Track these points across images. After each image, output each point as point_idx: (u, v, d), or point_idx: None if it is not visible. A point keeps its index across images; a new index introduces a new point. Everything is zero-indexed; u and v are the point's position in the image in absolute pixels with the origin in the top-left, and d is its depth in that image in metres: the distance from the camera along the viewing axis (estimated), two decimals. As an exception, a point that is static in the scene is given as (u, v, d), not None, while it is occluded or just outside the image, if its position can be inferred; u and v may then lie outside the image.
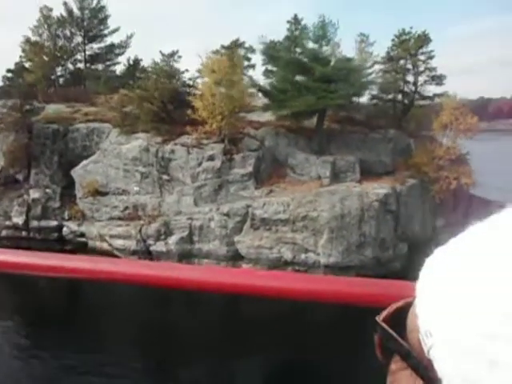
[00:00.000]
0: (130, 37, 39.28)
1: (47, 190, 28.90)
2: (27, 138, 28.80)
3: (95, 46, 39.24)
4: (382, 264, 23.33)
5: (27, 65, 37.67)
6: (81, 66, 39.50)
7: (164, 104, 26.39)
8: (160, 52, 29.97)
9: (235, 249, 23.78)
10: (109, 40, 39.25)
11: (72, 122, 29.20)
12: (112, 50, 39.58)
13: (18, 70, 38.93)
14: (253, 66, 38.38)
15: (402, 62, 29.30)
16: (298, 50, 32.26)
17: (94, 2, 38.22)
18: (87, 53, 39.22)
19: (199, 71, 28.01)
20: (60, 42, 37.45)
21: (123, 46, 39.60)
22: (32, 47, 35.83)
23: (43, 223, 28.83)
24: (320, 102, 22.22)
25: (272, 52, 26.11)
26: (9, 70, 40.80)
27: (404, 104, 29.71)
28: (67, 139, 28.84)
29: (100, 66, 40.07)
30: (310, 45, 25.90)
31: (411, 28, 28.92)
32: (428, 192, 25.25)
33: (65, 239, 28.25)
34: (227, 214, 23.59)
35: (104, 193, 26.88)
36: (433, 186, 25.00)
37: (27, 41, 35.76)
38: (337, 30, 25.80)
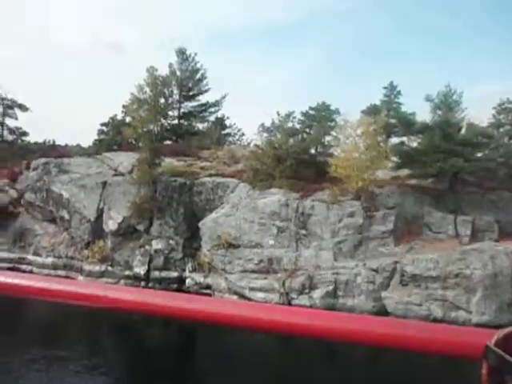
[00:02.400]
0: (223, 97, 41.60)
1: (170, 241, 29.46)
2: (153, 191, 29.80)
3: (190, 105, 41.42)
4: (527, 323, 23.60)
5: (127, 120, 39.45)
6: (174, 122, 41.40)
7: (296, 161, 27.70)
8: (277, 113, 31.70)
9: (381, 304, 24.05)
10: (202, 99, 41.57)
11: (197, 176, 30.33)
12: (205, 109, 41.68)
13: (115, 125, 40.73)
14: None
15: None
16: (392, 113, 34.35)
17: (192, 63, 40.89)
18: (181, 110, 41.29)
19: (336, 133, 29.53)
20: (161, 100, 39.44)
21: (215, 105, 41.77)
22: (137, 103, 37.70)
23: (164, 274, 29.15)
24: (470, 165, 23.64)
25: (407, 119, 27.94)
26: (103, 124, 42.67)
27: (509, 166, 31.18)
28: (193, 192, 29.82)
29: (192, 123, 42.01)
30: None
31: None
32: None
33: (185, 290, 28.40)
34: (375, 270, 24.10)
35: (236, 245, 27.43)
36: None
37: (135, 98, 37.66)
38: (461, 98, 27.76)
